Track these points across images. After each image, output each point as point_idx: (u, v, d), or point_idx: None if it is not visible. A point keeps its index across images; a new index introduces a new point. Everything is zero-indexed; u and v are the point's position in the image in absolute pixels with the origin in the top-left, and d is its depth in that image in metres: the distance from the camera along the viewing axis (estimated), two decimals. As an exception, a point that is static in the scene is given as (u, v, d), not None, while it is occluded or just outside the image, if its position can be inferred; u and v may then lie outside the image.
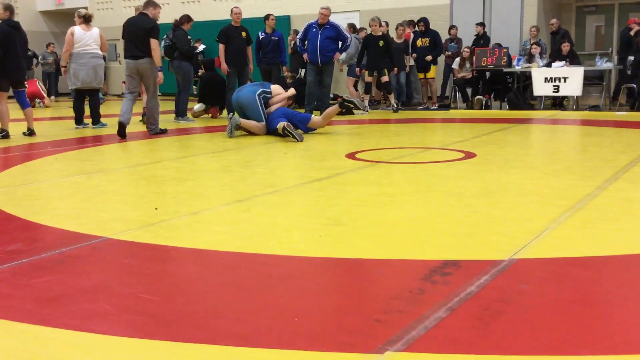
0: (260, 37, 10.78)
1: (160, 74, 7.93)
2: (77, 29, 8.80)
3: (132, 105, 7.96)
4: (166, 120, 9.43)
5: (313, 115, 7.75)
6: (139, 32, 7.76)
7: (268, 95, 7.86)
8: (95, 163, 5.83)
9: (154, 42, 7.75)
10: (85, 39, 8.73)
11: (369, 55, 10.71)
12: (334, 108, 7.87)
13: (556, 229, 3.07)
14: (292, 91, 8.13)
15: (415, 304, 2.15)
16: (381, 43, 10.59)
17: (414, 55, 11.74)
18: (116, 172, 5.27)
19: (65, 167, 5.56)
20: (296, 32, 12.56)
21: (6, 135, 7.72)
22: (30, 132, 8.03)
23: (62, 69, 9.18)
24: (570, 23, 14.36)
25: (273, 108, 7.73)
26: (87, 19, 8.84)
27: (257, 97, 7.70)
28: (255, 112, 7.69)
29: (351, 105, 7.52)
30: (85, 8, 11.38)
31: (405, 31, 11.79)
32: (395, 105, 10.96)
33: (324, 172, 4.93)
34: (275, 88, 7.98)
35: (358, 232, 3.16)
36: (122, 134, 7.61)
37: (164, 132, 8.15)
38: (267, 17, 10.86)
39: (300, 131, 7.16)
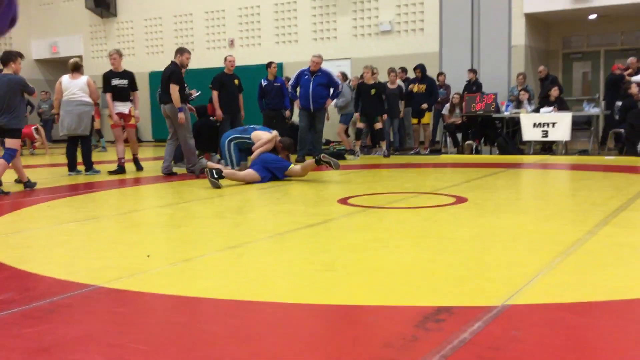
0: (263, 84, 10.98)
1: (181, 115, 8.40)
2: (65, 78, 8.97)
3: (170, 149, 8.80)
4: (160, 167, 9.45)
5: (292, 164, 7.67)
6: (163, 78, 8.55)
7: (247, 142, 7.93)
8: (88, 210, 5.82)
9: (172, 87, 8.33)
10: (71, 87, 8.85)
11: (362, 102, 10.90)
12: (311, 163, 7.61)
13: (548, 274, 3.08)
14: (274, 133, 7.95)
15: (409, 351, 2.14)
16: (373, 91, 10.78)
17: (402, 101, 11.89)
18: (109, 219, 5.27)
19: (58, 215, 5.55)
20: (287, 78, 12.74)
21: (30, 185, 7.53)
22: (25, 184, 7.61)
23: (55, 117, 9.29)
24: (557, 69, 14.68)
25: (255, 155, 7.72)
26: (74, 68, 8.97)
27: (226, 143, 8.02)
28: (224, 156, 8.12)
29: (329, 165, 7.39)
30: (80, 57, 11.53)
31: (397, 77, 11.96)
32: (386, 151, 11.07)
33: (316, 217, 4.94)
34: (256, 134, 7.91)
35: (351, 278, 3.16)
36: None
37: (170, 174, 8.69)
38: (269, 64, 11.11)
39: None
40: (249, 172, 7.44)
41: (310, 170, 7.77)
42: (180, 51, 8.70)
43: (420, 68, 11.88)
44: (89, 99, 8.94)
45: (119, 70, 9.13)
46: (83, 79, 8.95)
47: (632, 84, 10.17)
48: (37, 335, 2.42)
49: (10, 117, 7.06)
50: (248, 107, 11.51)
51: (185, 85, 9.86)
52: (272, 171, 7.47)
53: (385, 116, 11.10)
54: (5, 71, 7.33)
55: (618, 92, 10.76)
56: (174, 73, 8.38)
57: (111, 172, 9.09)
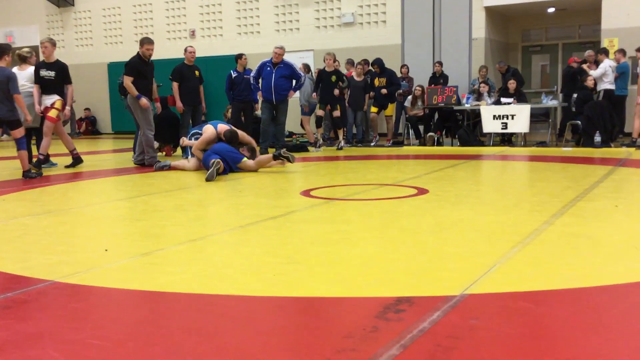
0: (233, 75, 10.92)
1: (143, 100, 8.35)
2: (14, 69, 8.70)
3: (139, 140, 8.93)
4: (126, 159, 9.33)
5: (245, 158, 7.64)
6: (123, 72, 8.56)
7: (199, 135, 8.07)
8: (44, 204, 5.69)
9: (125, 79, 8.43)
10: (20, 78, 8.56)
11: (322, 89, 10.90)
12: (268, 157, 7.77)
13: (505, 264, 3.13)
14: (219, 129, 7.90)
15: (369, 342, 2.15)
16: (334, 78, 10.79)
17: (372, 93, 11.87)
18: (65, 213, 5.16)
19: (13, 209, 5.41)
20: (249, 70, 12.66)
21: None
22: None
23: None
24: (516, 62, 14.90)
25: (194, 148, 7.91)
26: (21, 59, 8.73)
27: (188, 138, 8.48)
28: (186, 151, 8.83)
29: (288, 159, 7.51)
30: (35, 47, 11.23)
31: (362, 69, 11.91)
32: (342, 142, 11.10)
33: (278, 210, 4.93)
34: (205, 128, 8.04)
35: (312, 270, 3.16)
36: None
37: (142, 165, 8.66)
38: (239, 56, 11.11)
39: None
40: (194, 159, 7.84)
41: (265, 165, 7.77)
42: (141, 42, 8.68)
43: (378, 63, 11.85)
44: None
45: (51, 60, 8.60)
46: (30, 70, 8.65)
47: (588, 77, 10.40)
48: (-10, 333, 2.35)
49: (10, 107, 7.35)
50: (210, 98, 11.41)
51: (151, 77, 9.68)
52: (226, 160, 7.45)
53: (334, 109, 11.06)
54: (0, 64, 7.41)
55: (575, 85, 10.99)
56: (128, 64, 8.54)
57: (68, 166, 8.90)
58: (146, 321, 2.48)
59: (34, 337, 2.31)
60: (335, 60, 11.09)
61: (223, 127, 7.91)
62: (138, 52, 8.70)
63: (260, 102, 11.15)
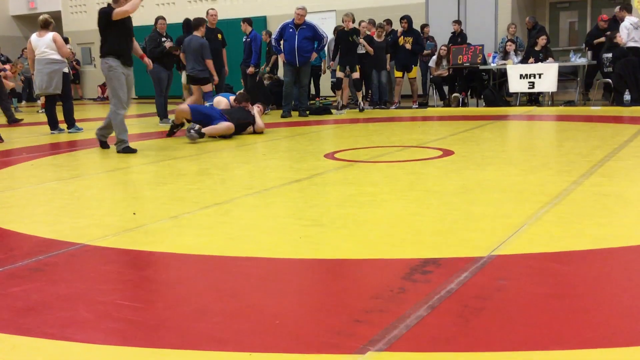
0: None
1: (147, 60, 7.37)
2: (33, 36, 8.72)
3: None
4: (151, 124, 9.40)
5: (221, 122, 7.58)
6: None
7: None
8: (71, 169, 5.76)
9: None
10: (40, 45, 8.58)
11: (341, 51, 10.68)
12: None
13: (534, 224, 3.10)
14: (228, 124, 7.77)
15: (396, 303, 2.16)
16: (351, 38, 10.57)
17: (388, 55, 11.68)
18: (92, 178, 5.22)
19: (41, 174, 5.49)
20: (269, 32, 12.55)
21: None
22: None
23: (32, 76, 9.12)
24: (544, 19, 14.53)
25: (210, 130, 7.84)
26: (43, 25, 8.69)
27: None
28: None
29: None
30: (58, 12, 11.26)
31: (383, 30, 11.72)
32: (362, 104, 10.98)
33: (303, 172, 4.92)
34: (217, 99, 8.31)
35: (338, 232, 3.16)
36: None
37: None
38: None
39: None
40: (224, 124, 7.53)
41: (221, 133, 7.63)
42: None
43: (407, 19, 11.60)
44: (58, 56, 8.62)
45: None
46: (49, 36, 8.63)
47: (617, 34, 10.09)
48: (24, 294, 2.41)
49: (202, 68, 8.96)
50: (231, 62, 11.36)
51: (161, 38, 9.77)
52: (237, 119, 7.69)
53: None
54: None
55: (603, 43, 10.68)
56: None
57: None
58: (174, 282, 2.51)
59: (66, 298, 2.35)
60: (353, 21, 10.89)
61: (224, 98, 8.30)
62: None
63: (260, 64, 11.27)
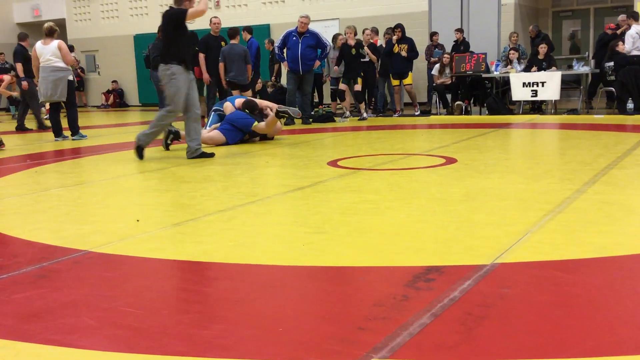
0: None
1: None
2: (38, 44, 8.76)
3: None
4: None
5: (256, 122, 7.63)
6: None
7: (222, 112, 8.20)
8: (75, 175, 5.78)
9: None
10: (45, 52, 8.62)
11: (345, 64, 10.70)
12: (272, 117, 7.74)
13: (537, 232, 3.10)
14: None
15: (399, 310, 2.16)
16: (353, 51, 10.61)
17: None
18: (96, 185, 5.23)
19: (45, 180, 5.50)
20: (271, 41, 12.60)
21: None
22: None
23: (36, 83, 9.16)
24: (547, 28, 14.56)
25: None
26: (48, 33, 8.72)
27: (211, 112, 8.46)
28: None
29: (286, 115, 7.68)
30: (62, 20, 11.35)
31: (391, 37, 11.74)
32: (364, 114, 11.01)
33: (306, 180, 4.93)
34: (226, 105, 8.19)
35: (341, 239, 3.17)
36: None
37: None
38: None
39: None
40: (214, 133, 7.65)
41: (274, 123, 7.75)
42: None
43: (400, 27, 11.61)
44: (62, 64, 8.66)
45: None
46: (54, 44, 8.68)
47: (618, 42, 10.10)
48: (27, 301, 2.41)
49: (243, 74, 9.66)
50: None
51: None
52: (239, 128, 7.66)
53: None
54: None
55: (606, 52, 10.69)
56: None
57: None
58: (179, 289, 2.52)
59: (69, 305, 2.36)
60: (356, 34, 10.93)
61: (240, 100, 8.03)
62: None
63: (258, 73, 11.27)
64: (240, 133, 7.70)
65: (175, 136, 7.31)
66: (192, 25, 11.75)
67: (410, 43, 11.49)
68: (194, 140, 6.36)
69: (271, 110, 7.86)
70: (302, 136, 8.56)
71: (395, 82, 11.68)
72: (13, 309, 2.34)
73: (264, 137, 8.01)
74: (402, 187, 4.57)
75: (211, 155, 6.45)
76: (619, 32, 10.66)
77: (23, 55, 10.63)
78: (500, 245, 2.88)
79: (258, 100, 8.08)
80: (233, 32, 9.99)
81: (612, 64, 10.14)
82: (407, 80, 11.68)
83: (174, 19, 6.03)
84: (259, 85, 11.45)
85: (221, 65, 9.92)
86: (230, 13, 16.70)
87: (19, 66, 10.64)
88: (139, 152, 6.44)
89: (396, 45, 11.45)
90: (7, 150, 7.93)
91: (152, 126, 6.48)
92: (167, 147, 7.26)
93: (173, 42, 6.10)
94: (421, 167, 5.37)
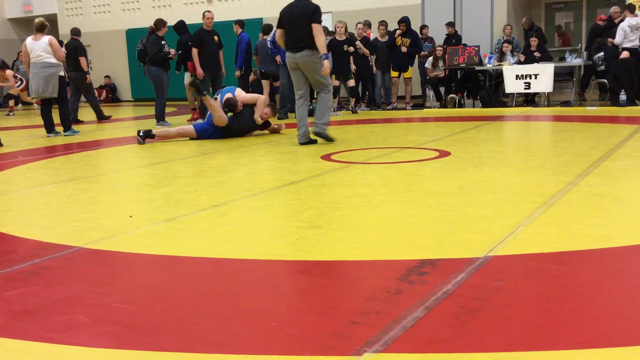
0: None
1: (325, 62, 6.68)
2: (29, 40, 8.68)
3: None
4: (149, 126, 9.39)
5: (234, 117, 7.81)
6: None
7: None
8: (68, 172, 5.75)
9: (316, 28, 6.58)
10: (35, 48, 8.55)
11: (334, 59, 10.61)
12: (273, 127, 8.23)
13: (530, 225, 3.10)
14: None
15: (393, 304, 2.16)
16: (345, 47, 10.57)
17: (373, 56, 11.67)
18: (88, 181, 5.21)
19: (37, 177, 5.48)
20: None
21: None
22: None
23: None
24: (539, 20, 14.56)
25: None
26: (38, 28, 8.64)
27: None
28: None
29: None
30: (54, 15, 11.36)
31: (385, 30, 11.70)
32: (356, 107, 11.01)
33: (299, 174, 4.92)
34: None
35: (334, 234, 3.16)
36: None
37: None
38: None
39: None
40: (184, 127, 7.93)
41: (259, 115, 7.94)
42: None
43: (405, 21, 11.57)
44: (54, 60, 8.59)
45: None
46: (45, 39, 8.59)
47: (608, 39, 10.12)
48: (20, 298, 2.40)
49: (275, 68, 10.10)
50: (228, 64, 11.35)
51: (163, 42, 9.81)
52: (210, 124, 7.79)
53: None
54: None
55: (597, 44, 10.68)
56: (317, 11, 6.68)
57: None
58: (172, 285, 2.51)
59: (63, 301, 2.35)
60: (346, 30, 10.90)
61: (229, 95, 8.01)
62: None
63: (256, 69, 11.27)
64: (215, 130, 7.74)
65: (146, 135, 7.63)
66: (185, 19, 11.65)
67: (413, 37, 11.45)
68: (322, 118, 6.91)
69: (270, 105, 8.20)
70: (295, 130, 8.54)
71: (394, 74, 11.65)
72: (6, 306, 2.33)
73: (274, 130, 8.27)
74: (395, 180, 4.57)
75: (315, 141, 6.88)
76: (616, 21, 10.61)
77: (82, 49, 11.16)
78: (494, 238, 2.88)
79: (243, 96, 8.03)
80: (267, 28, 10.75)
81: (602, 54, 10.16)
82: (407, 74, 11.67)
83: (318, 13, 6.69)
84: (252, 78, 11.39)
85: (255, 57, 10.82)
86: (223, 7, 16.64)
87: (83, 60, 10.95)
88: (329, 139, 6.88)
89: (399, 38, 11.40)
90: (-1, 146, 7.89)
91: (322, 113, 6.89)
92: (143, 141, 7.58)
93: (310, 32, 6.65)
94: (415, 161, 5.37)
